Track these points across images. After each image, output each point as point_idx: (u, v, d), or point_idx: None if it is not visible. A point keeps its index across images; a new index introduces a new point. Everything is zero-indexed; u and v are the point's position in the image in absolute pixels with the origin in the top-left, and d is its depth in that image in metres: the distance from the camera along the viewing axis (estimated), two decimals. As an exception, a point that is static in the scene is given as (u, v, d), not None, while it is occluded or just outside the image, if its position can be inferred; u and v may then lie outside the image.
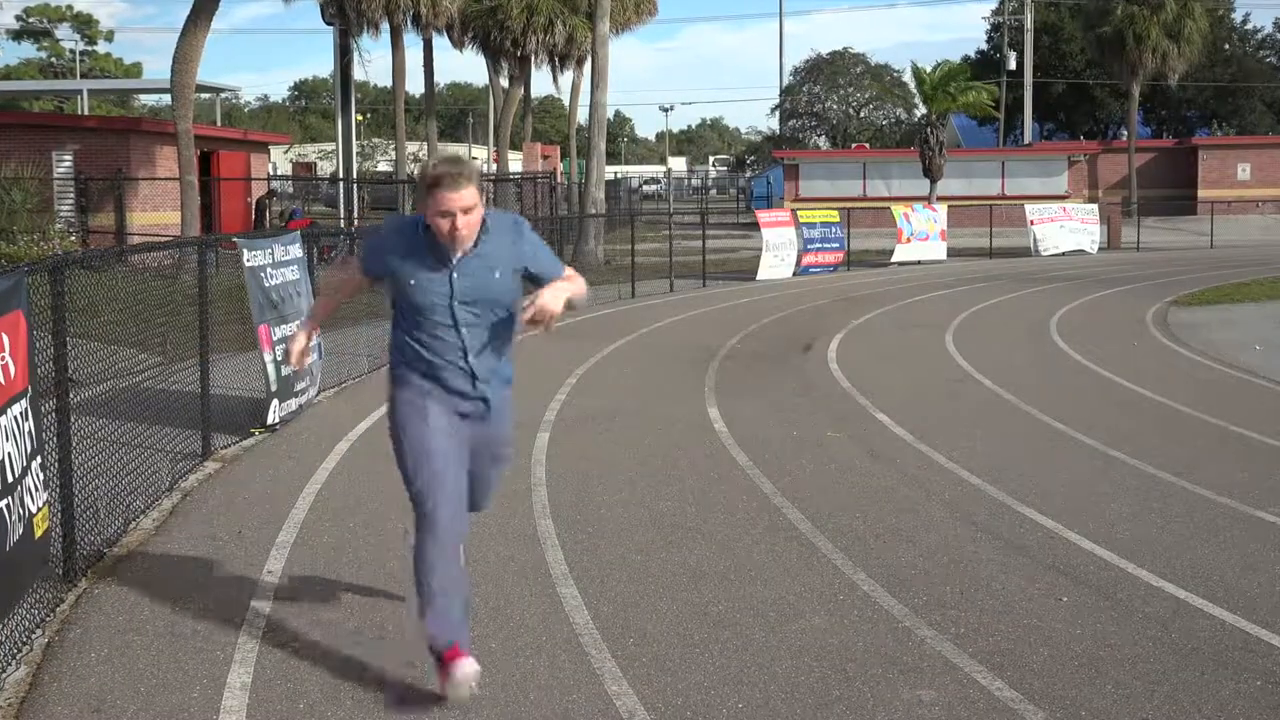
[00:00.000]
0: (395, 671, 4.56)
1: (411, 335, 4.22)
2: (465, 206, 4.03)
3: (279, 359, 9.14)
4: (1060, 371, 12.32)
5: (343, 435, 8.97)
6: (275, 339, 9.18)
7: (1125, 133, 49.30)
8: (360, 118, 57.06)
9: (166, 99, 39.48)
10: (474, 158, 64.39)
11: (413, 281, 4.14)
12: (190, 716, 4.29)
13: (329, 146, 56.32)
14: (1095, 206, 35.39)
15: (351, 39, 33.78)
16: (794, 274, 25.76)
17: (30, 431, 4.94)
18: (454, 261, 4.13)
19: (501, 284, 4.18)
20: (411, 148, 47.98)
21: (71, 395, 5.89)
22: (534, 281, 4.21)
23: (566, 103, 54.29)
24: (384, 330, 13.83)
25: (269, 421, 9.02)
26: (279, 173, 46.44)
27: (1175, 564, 5.89)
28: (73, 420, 5.87)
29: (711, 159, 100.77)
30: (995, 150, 48.97)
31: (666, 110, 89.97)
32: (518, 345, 4.42)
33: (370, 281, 4.41)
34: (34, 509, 4.90)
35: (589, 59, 31.63)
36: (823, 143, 65.68)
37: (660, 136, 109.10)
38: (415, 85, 41.33)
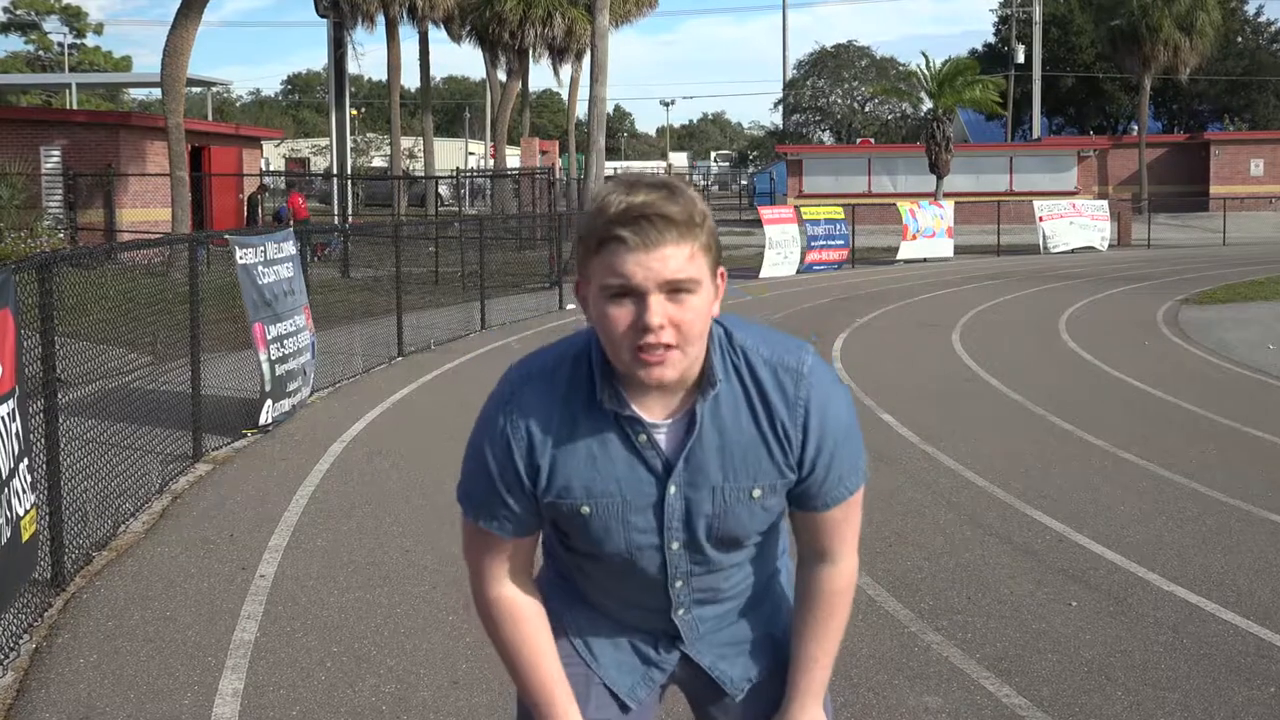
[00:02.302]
0: None
1: (572, 571, 2.27)
2: (670, 279, 1.90)
3: (273, 358, 9.16)
4: (1069, 371, 12.32)
5: (337, 436, 8.97)
6: (270, 337, 9.19)
7: (1136, 127, 49.34)
8: (355, 112, 57.04)
9: (156, 93, 39.48)
10: (471, 153, 64.24)
11: (586, 508, 2.06)
12: (181, 724, 4.29)
13: (323, 141, 56.41)
14: (1105, 203, 35.44)
15: (346, 32, 33.78)
16: (797, 271, 25.77)
17: (17, 433, 4.94)
18: (664, 448, 2.04)
19: (764, 512, 2.11)
20: (407, 143, 48.01)
21: (60, 396, 5.90)
22: (800, 508, 2.15)
23: (565, 97, 54.36)
24: (381, 327, 13.92)
25: (262, 422, 9.02)
26: (271, 168, 46.45)
27: (1187, 568, 5.89)
28: (61, 421, 5.87)
29: (713, 154, 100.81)
30: (1003, 145, 48.96)
31: (667, 105, 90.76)
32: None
33: (530, 538, 2.16)
34: (20, 512, 4.90)
35: (588, 52, 31.63)
36: (827, 138, 65.67)
37: (661, 131, 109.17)
38: (411, 79, 41.32)
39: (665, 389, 2.01)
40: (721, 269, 2.00)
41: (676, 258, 1.90)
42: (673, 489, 2.05)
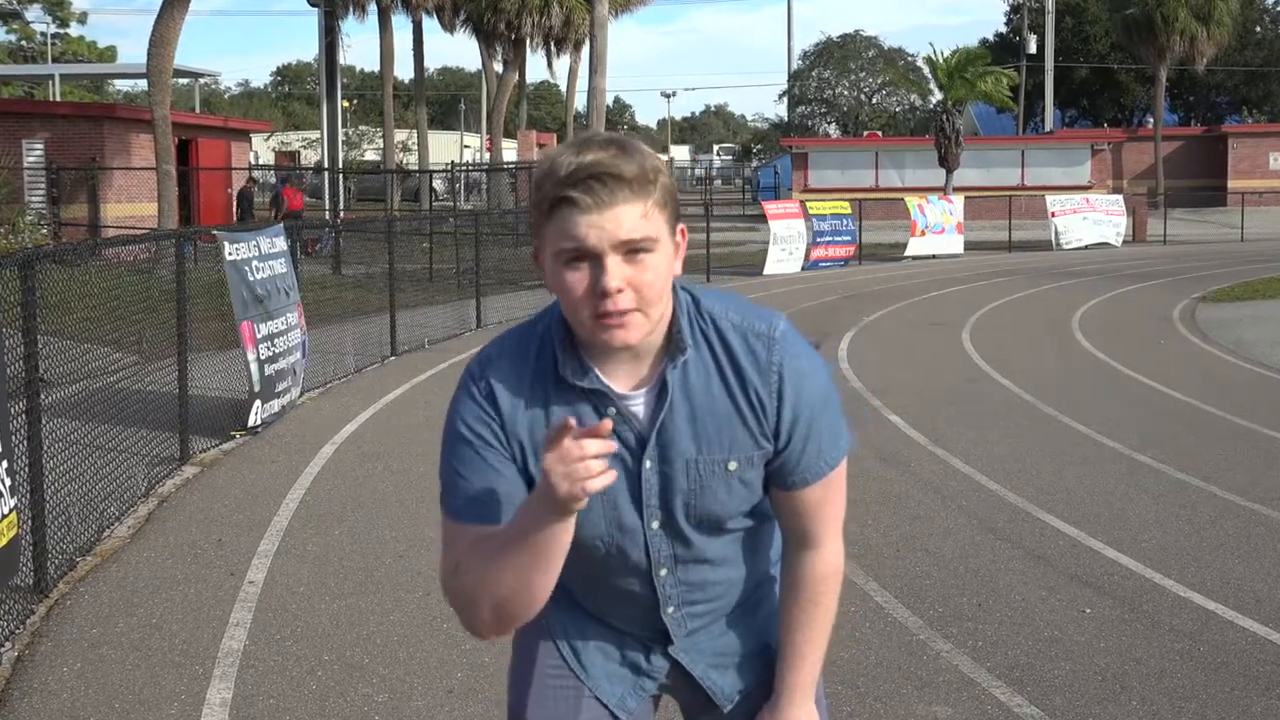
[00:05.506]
0: None
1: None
2: (626, 239, 1.90)
3: (262, 357, 9.16)
4: (1083, 371, 12.32)
5: (328, 438, 8.97)
6: (259, 336, 9.19)
7: (1151, 120, 49.34)
8: (346, 104, 57.06)
9: (142, 84, 39.51)
10: (466, 146, 64.30)
11: None
12: (167, 734, 4.29)
13: (313, 134, 56.34)
14: (1120, 197, 35.41)
15: (337, 21, 33.80)
16: (802, 268, 25.77)
17: (-2, 434, 4.94)
18: (637, 421, 2.03)
19: (742, 487, 2.08)
20: (400, 136, 47.99)
21: (42, 396, 5.90)
22: (779, 485, 2.10)
23: (563, 89, 54.36)
24: (374, 326, 13.94)
25: (250, 424, 9.02)
26: (260, 161, 46.50)
27: (1204, 574, 5.89)
28: (44, 422, 5.87)
29: (716, 148, 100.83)
30: (1014, 138, 48.91)
31: (668, 96, 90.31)
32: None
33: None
34: None
35: (587, 42, 31.65)
36: (833, 131, 65.62)
37: (662, 124, 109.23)
38: (404, 70, 41.36)
39: (632, 355, 2.00)
40: (682, 226, 1.99)
41: (630, 216, 1.89)
42: (648, 463, 2.03)
